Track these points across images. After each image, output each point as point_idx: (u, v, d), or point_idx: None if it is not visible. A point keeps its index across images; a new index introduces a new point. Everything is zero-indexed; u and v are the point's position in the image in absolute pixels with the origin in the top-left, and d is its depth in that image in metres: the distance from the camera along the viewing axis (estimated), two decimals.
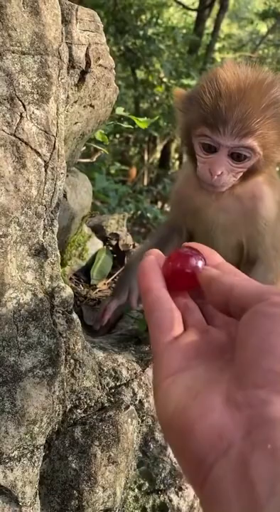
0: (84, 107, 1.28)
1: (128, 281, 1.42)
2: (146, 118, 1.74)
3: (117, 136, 9.80)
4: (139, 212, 5.61)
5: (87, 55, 1.17)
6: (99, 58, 1.20)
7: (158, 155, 10.53)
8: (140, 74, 9.19)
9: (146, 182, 9.72)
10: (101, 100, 1.34)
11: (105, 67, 1.28)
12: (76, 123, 1.29)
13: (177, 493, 1.34)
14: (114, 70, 1.33)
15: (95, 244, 1.92)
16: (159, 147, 10.12)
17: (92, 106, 1.31)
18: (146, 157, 10.07)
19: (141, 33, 7.43)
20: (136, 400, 1.26)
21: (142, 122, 1.70)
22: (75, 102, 1.22)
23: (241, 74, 1.09)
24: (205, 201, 1.27)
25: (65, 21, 1.12)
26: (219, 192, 1.17)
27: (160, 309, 0.62)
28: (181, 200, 1.36)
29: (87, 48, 1.16)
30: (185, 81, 7.90)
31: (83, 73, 1.19)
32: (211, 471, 0.46)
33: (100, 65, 1.24)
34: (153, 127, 9.00)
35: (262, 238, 1.30)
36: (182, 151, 1.35)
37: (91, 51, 1.17)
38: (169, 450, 1.29)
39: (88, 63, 1.17)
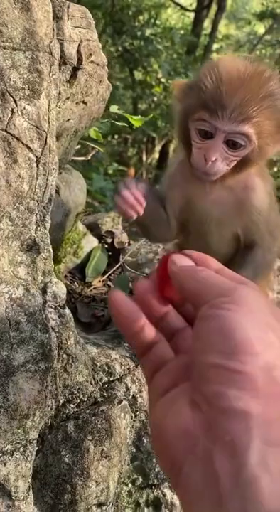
0: (77, 103, 1.28)
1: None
2: (140, 116, 1.74)
3: (115, 136, 9.83)
4: None
5: (78, 51, 1.17)
6: (90, 55, 1.21)
7: (156, 155, 10.55)
8: (138, 75, 9.21)
9: None
10: (94, 97, 1.34)
11: (97, 64, 1.28)
12: (69, 120, 1.29)
13: (170, 488, 1.34)
14: (106, 67, 1.34)
15: (90, 242, 1.93)
16: (157, 148, 10.13)
17: (84, 103, 1.32)
18: (144, 158, 10.10)
19: (139, 33, 7.43)
20: (130, 395, 1.26)
21: (136, 120, 1.71)
22: (67, 98, 1.23)
23: (242, 64, 1.11)
24: (198, 193, 1.28)
25: (57, 18, 1.13)
26: (212, 182, 1.18)
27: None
28: (174, 188, 1.36)
29: (79, 45, 1.17)
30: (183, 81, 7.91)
31: (75, 70, 1.19)
32: (182, 469, 0.47)
33: (92, 62, 1.25)
34: (151, 128, 9.02)
35: (257, 227, 1.31)
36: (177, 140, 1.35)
37: (82, 47, 1.17)
38: None
39: (80, 60, 1.18)
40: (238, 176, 1.20)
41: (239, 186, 1.26)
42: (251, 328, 0.48)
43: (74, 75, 1.20)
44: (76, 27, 1.17)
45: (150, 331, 0.62)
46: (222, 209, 1.30)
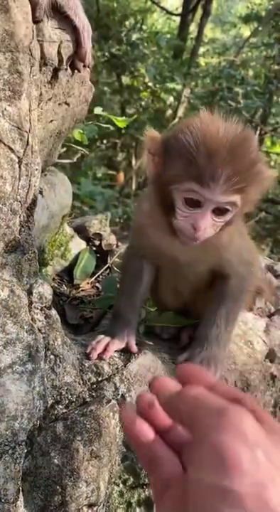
0: (59, 104, 1.29)
1: (124, 320, 1.39)
2: (124, 117, 1.75)
3: (104, 141, 9.84)
4: (126, 216, 5.63)
5: (59, 52, 1.18)
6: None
7: (145, 160, 10.55)
8: (125, 79, 9.24)
9: (134, 186, 9.75)
10: (77, 98, 1.35)
11: None
12: (51, 121, 1.30)
13: None
14: (88, 68, 1.34)
15: (78, 245, 1.93)
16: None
17: (67, 104, 1.32)
18: (133, 162, 10.11)
19: (125, 38, 7.46)
20: (118, 394, 1.26)
21: (120, 121, 1.71)
22: (49, 99, 1.23)
23: (225, 129, 1.10)
24: (169, 244, 1.30)
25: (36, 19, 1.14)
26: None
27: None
28: (143, 234, 1.39)
29: (59, 46, 1.17)
30: (170, 85, 7.96)
31: (56, 70, 1.20)
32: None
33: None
34: (140, 132, 9.04)
35: (229, 265, 1.35)
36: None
37: (63, 48, 1.18)
38: None
39: (60, 60, 1.19)
40: (217, 234, 1.21)
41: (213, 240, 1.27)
42: (240, 448, 0.51)
43: (55, 75, 1.20)
44: (56, 28, 1.17)
45: (160, 448, 0.65)
46: (193, 255, 1.32)
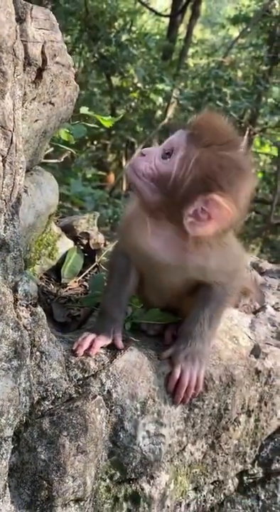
0: (44, 104, 1.30)
1: (110, 317, 1.42)
2: (110, 117, 1.77)
3: (94, 142, 9.85)
4: (116, 216, 5.65)
5: (42, 52, 1.19)
6: (55, 56, 1.23)
7: None
8: (115, 80, 9.25)
9: (124, 187, 9.77)
10: (61, 98, 1.36)
11: (63, 65, 1.30)
12: (36, 120, 1.31)
13: (149, 482, 1.36)
14: (72, 68, 1.36)
15: (65, 244, 1.94)
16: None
17: (51, 103, 1.33)
18: (124, 163, 10.13)
19: (114, 40, 7.48)
20: (104, 390, 1.28)
21: (106, 121, 1.73)
22: (34, 99, 1.24)
23: None
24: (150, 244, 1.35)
25: (20, 20, 1.15)
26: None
27: None
28: (128, 232, 1.43)
29: (43, 46, 1.19)
30: (159, 86, 7.99)
31: (40, 70, 1.21)
32: None
33: (57, 63, 1.27)
34: (130, 133, 9.07)
35: (209, 277, 1.37)
36: None
37: (47, 49, 1.19)
38: (139, 439, 1.31)
39: (44, 60, 1.20)
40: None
41: (178, 250, 1.32)
42: None
43: (39, 75, 1.22)
44: (40, 28, 1.19)
45: None
46: (172, 259, 1.34)
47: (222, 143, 1.24)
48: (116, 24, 8.81)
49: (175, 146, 1.26)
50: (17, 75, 1.09)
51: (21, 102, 1.13)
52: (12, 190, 1.10)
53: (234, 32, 10.83)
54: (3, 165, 1.07)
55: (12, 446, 1.13)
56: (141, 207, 1.35)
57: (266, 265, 2.04)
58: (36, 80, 1.21)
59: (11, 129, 1.07)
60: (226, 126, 1.30)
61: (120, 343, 1.37)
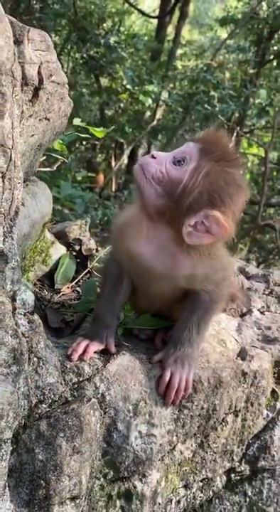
0: (40, 120, 1.35)
1: (103, 323, 1.48)
2: (102, 128, 1.82)
3: (83, 143, 9.88)
4: (106, 218, 5.70)
5: (39, 72, 1.25)
6: (51, 75, 1.29)
7: (125, 161, 10.63)
8: (104, 81, 9.29)
9: (114, 188, 9.82)
10: (56, 113, 1.42)
11: (58, 83, 1.36)
12: (33, 135, 1.36)
13: (141, 480, 1.43)
14: (67, 85, 1.42)
15: (58, 250, 1.99)
16: (126, 153, 10.23)
17: (47, 119, 1.39)
18: (113, 163, 10.18)
19: (102, 41, 7.51)
20: (99, 393, 1.34)
21: (98, 132, 1.79)
22: (30, 116, 1.30)
23: None
24: (141, 247, 1.41)
25: (17, 42, 1.21)
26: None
27: None
28: (120, 241, 1.50)
29: (39, 66, 1.25)
30: (148, 87, 8.05)
31: (36, 89, 1.27)
32: None
33: (53, 82, 1.32)
34: (119, 134, 9.12)
35: (196, 285, 1.44)
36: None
37: (43, 69, 1.25)
38: (132, 439, 1.37)
39: (41, 80, 1.26)
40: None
41: (168, 256, 1.39)
42: None
43: (36, 94, 1.27)
44: (36, 50, 1.24)
45: None
46: (162, 264, 1.40)
47: (230, 160, 1.34)
48: (104, 25, 8.85)
49: (188, 156, 1.33)
50: (15, 95, 1.15)
51: (19, 120, 1.19)
52: (11, 204, 1.16)
53: (222, 33, 10.91)
54: (3, 181, 1.12)
55: (11, 448, 1.19)
56: (141, 208, 1.40)
57: (253, 270, 2.11)
58: (33, 99, 1.26)
59: (10, 147, 1.12)
60: (231, 144, 1.39)
61: (113, 348, 1.44)
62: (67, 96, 1.41)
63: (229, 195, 1.31)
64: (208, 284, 1.44)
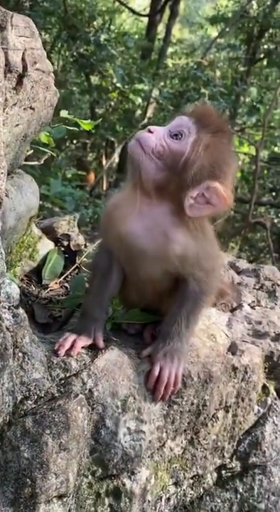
0: (24, 109, 1.32)
1: (91, 317, 1.45)
2: (90, 120, 1.79)
3: (74, 141, 9.83)
4: (96, 216, 5.67)
5: (23, 59, 1.22)
6: (35, 62, 1.26)
7: (116, 159, 10.61)
8: (94, 79, 9.25)
9: (105, 186, 9.78)
10: (42, 103, 1.39)
11: (43, 71, 1.33)
12: (17, 125, 1.33)
13: (130, 477, 1.40)
14: (52, 74, 1.39)
15: (46, 246, 1.96)
16: (117, 151, 10.19)
17: (32, 108, 1.36)
18: (104, 162, 10.13)
19: (93, 39, 7.48)
20: (86, 389, 1.31)
21: (86, 124, 1.76)
22: (14, 104, 1.27)
23: None
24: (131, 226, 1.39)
25: (1, 27, 1.17)
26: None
27: None
28: (109, 221, 1.48)
29: (23, 53, 1.21)
30: (139, 86, 8.03)
31: (20, 77, 1.24)
32: None
33: (37, 69, 1.29)
34: (110, 132, 9.09)
35: (183, 269, 1.41)
36: None
37: (27, 56, 1.22)
38: (120, 435, 1.34)
39: (25, 67, 1.23)
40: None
41: (159, 234, 1.37)
42: None
43: (20, 81, 1.24)
44: (20, 36, 1.21)
45: None
46: (151, 243, 1.39)
47: (225, 131, 1.40)
48: (94, 23, 8.81)
49: (185, 129, 1.35)
50: None
51: (3, 108, 1.15)
52: None
53: (213, 32, 10.93)
54: None
55: None
56: (136, 185, 1.37)
57: (243, 265, 2.09)
58: (17, 86, 1.23)
59: None
60: (223, 116, 1.41)
61: (101, 343, 1.41)
62: (53, 85, 1.38)
63: (227, 166, 1.37)
64: (198, 270, 1.41)
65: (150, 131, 1.34)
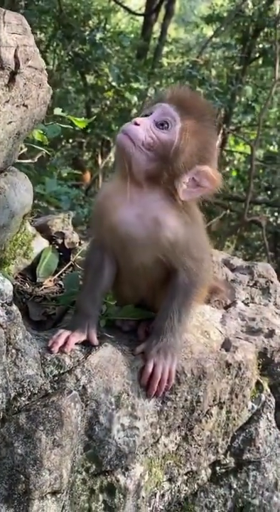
0: (17, 106, 1.33)
1: (85, 314, 1.46)
2: (83, 118, 1.80)
3: (70, 140, 9.82)
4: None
5: (15, 56, 1.22)
6: (28, 59, 1.26)
7: (112, 159, 10.60)
8: (90, 79, 9.24)
9: (100, 186, 9.76)
10: (35, 100, 1.39)
11: (35, 68, 1.33)
12: (10, 122, 1.33)
13: (124, 473, 1.40)
14: (45, 71, 1.39)
15: (40, 244, 1.96)
16: (113, 150, 10.19)
17: (25, 105, 1.36)
18: (99, 161, 10.13)
19: (88, 38, 7.47)
20: (80, 385, 1.31)
21: (80, 122, 1.76)
22: (7, 101, 1.27)
23: None
24: (122, 213, 1.40)
25: None
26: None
27: None
28: (100, 211, 1.49)
29: (16, 50, 1.22)
30: (134, 85, 8.03)
31: (13, 74, 1.24)
32: None
33: (30, 66, 1.30)
34: (106, 132, 9.08)
35: (173, 256, 1.42)
36: None
37: (19, 53, 1.22)
38: (114, 432, 1.35)
39: (17, 64, 1.23)
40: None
41: (150, 220, 1.39)
42: None
43: (12, 79, 1.24)
44: (12, 33, 1.21)
45: None
46: (142, 230, 1.40)
47: (207, 114, 1.45)
48: (90, 22, 8.80)
49: (169, 118, 1.38)
50: None
51: None
52: None
53: (208, 31, 10.93)
54: None
55: None
56: (126, 177, 1.38)
57: (237, 262, 2.10)
58: (9, 84, 1.23)
59: None
60: (202, 98, 1.43)
61: (95, 340, 1.41)
62: (46, 82, 1.38)
63: (213, 149, 1.44)
64: (188, 258, 1.42)
65: (136, 124, 1.36)
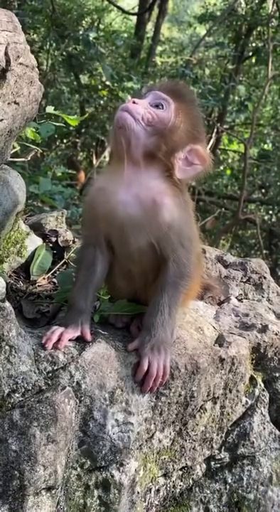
0: (9, 104, 1.33)
1: (78, 310, 1.47)
2: (76, 116, 1.80)
3: (64, 140, 9.82)
4: None
5: (6, 54, 1.22)
6: (18, 57, 1.26)
7: (106, 158, 10.59)
8: (83, 78, 9.24)
9: None
10: (26, 98, 1.39)
11: (26, 66, 1.33)
12: (1, 120, 1.34)
13: (118, 469, 1.41)
14: (36, 69, 1.39)
15: (34, 242, 1.96)
16: (107, 150, 10.18)
17: (16, 103, 1.36)
18: (94, 161, 10.12)
19: (81, 37, 7.46)
20: (74, 381, 1.32)
21: (72, 120, 1.76)
22: None
23: None
24: (115, 202, 1.44)
25: None
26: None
27: None
28: (94, 208, 1.51)
29: (6, 47, 1.22)
30: (128, 84, 8.03)
31: (4, 71, 1.24)
32: None
33: (21, 64, 1.30)
34: (100, 131, 9.08)
35: (168, 239, 1.45)
36: None
37: (10, 50, 1.22)
38: (108, 427, 1.35)
39: (8, 61, 1.23)
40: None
41: (148, 199, 1.43)
42: None
43: (3, 76, 1.24)
44: (2, 30, 1.22)
45: None
46: (135, 214, 1.43)
47: (195, 100, 1.60)
48: (83, 22, 8.81)
49: (163, 101, 1.48)
50: None
51: None
52: None
53: (201, 30, 10.95)
54: None
55: None
56: (124, 154, 1.43)
57: (230, 258, 2.10)
58: (0, 81, 1.24)
59: None
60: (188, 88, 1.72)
61: (88, 336, 1.41)
62: (37, 80, 1.38)
63: (203, 132, 1.55)
64: (179, 246, 1.45)
65: (134, 102, 1.44)
